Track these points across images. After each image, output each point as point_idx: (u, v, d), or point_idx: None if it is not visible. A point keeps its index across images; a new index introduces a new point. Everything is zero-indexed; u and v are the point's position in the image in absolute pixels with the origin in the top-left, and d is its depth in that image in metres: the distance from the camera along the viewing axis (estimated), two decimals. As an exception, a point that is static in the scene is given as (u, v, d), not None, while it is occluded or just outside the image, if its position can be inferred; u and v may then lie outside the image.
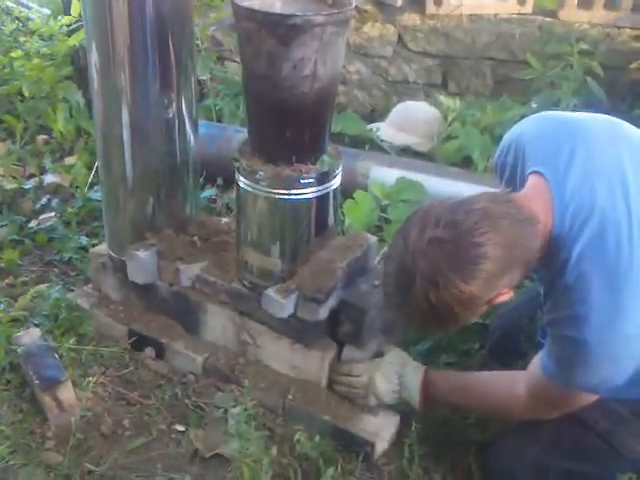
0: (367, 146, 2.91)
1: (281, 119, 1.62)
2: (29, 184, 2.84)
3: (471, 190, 2.42)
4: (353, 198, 2.38)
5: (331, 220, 1.79)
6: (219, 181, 2.79)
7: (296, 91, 1.56)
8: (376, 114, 3.47)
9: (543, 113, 1.57)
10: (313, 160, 1.68)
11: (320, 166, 1.68)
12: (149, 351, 1.95)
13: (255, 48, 1.56)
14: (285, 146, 1.65)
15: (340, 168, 1.73)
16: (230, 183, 2.53)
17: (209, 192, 2.71)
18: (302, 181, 1.64)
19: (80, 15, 3.51)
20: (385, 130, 2.96)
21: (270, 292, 1.69)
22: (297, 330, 1.74)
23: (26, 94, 3.37)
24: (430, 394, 1.64)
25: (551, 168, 1.33)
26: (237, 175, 1.71)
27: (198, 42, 3.25)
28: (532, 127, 1.52)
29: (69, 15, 3.66)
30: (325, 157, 1.71)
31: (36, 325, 2.00)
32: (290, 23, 1.47)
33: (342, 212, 2.36)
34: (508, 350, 1.82)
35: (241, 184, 1.70)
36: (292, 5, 1.67)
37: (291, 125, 1.62)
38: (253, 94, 1.66)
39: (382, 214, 2.46)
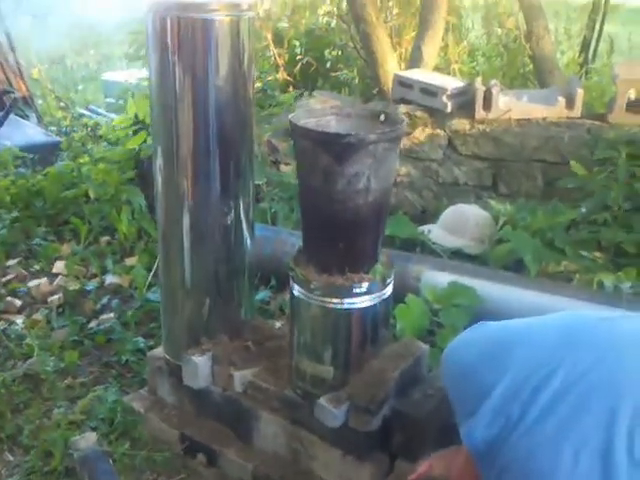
0: (418, 249, 2.94)
1: (335, 230, 1.67)
2: (91, 285, 2.95)
3: (523, 294, 2.45)
4: (404, 302, 2.39)
5: (383, 328, 1.80)
6: (273, 282, 2.84)
7: (350, 204, 1.62)
8: (427, 215, 3.52)
9: (476, 326, 1.21)
10: (366, 269, 1.71)
11: (373, 275, 1.71)
12: (201, 457, 1.95)
13: (311, 164, 1.63)
14: (339, 256, 1.69)
15: (392, 277, 1.76)
16: (284, 284, 2.58)
17: (263, 294, 2.75)
18: (355, 290, 1.68)
19: (136, 116, 3.73)
20: (436, 233, 2.99)
21: (322, 401, 1.69)
22: (349, 440, 1.72)
23: (92, 196, 3.56)
24: None
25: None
26: (292, 283, 1.76)
27: (255, 148, 3.40)
28: (455, 358, 1.18)
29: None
30: (378, 266, 1.74)
31: (92, 428, 2.04)
32: (344, 142, 1.55)
33: (394, 316, 2.37)
34: None
35: (295, 292, 1.75)
36: (346, 122, 1.76)
37: (345, 236, 1.67)
38: (308, 206, 1.73)
39: (434, 318, 2.45)
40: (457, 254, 2.88)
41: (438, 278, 2.54)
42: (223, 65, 1.80)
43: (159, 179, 1.94)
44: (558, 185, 3.29)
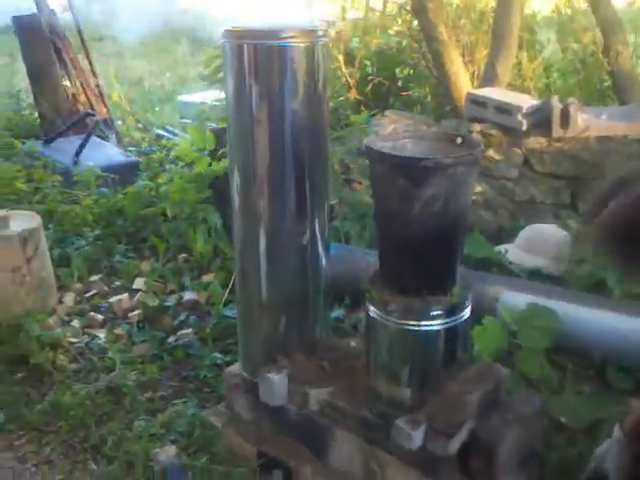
0: (495, 269, 2.90)
1: (412, 253, 1.67)
2: (169, 301, 3.04)
3: (606, 316, 2.38)
4: (482, 324, 2.36)
5: (461, 350, 1.79)
6: (347, 300, 2.85)
7: (426, 227, 1.62)
8: (502, 234, 3.47)
9: None
10: (443, 291, 1.71)
11: (450, 297, 1.70)
12: (277, 474, 1.97)
13: (387, 187, 1.65)
14: (416, 278, 1.69)
15: (470, 299, 1.74)
16: (357, 303, 2.59)
17: (337, 312, 2.77)
18: (432, 313, 1.67)
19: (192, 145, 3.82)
20: (513, 252, 2.95)
21: (400, 422, 1.68)
22: (426, 463, 1.71)
23: (169, 215, 3.67)
24: None
25: None
26: (367, 305, 1.76)
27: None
28: None
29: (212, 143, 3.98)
30: (456, 288, 1.73)
31: (172, 442, 2.09)
32: (421, 165, 1.56)
33: (472, 338, 2.34)
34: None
35: (371, 314, 1.75)
36: (422, 145, 1.76)
37: (421, 258, 1.67)
38: (384, 229, 1.74)
39: (513, 340, 2.41)
40: (535, 274, 2.82)
41: (516, 299, 2.49)
42: (299, 89, 1.84)
43: (236, 199, 1.98)
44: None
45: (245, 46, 1.81)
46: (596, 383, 2.32)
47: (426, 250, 1.67)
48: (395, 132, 1.92)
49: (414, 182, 1.58)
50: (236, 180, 1.97)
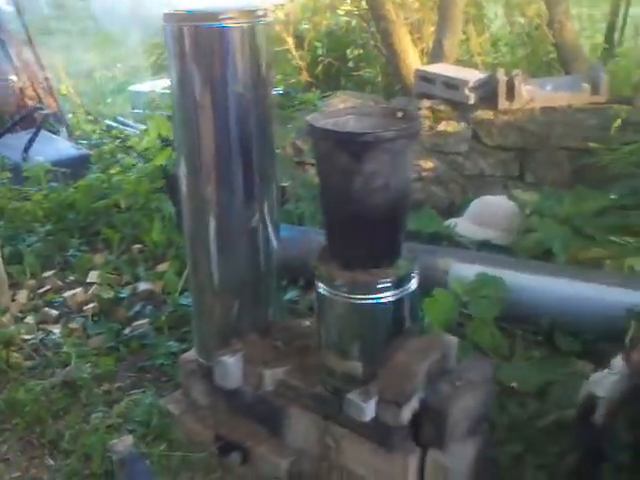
0: (446, 242, 2.94)
1: (356, 228, 1.69)
2: (124, 292, 3.01)
3: (553, 283, 2.43)
4: (432, 296, 2.39)
5: (410, 322, 1.81)
6: (301, 282, 2.86)
7: (369, 202, 1.63)
8: (454, 208, 3.51)
9: None
10: (389, 264, 1.73)
11: (396, 270, 1.72)
12: (235, 456, 1.98)
13: (329, 163, 1.65)
14: (361, 253, 1.71)
15: (416, 270, 1.77)
16: (312, 284, 2.60)
17: (292, 294, 2.78)
18: (379, 286, 1.69)
19: (159, 136, 3.80)
20: (463, 225, 2.99)
21: (351, 396, 1.71)
22: (379, 434, 1.73)
23: (123, 206, 3.63)
24: None
25: None
26: (316, 281, 1.78)
27: (279, 150, 3.43)
28: None
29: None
30: (401, 261, 1.76)
31: (130, 431, 2.09)
32: (362, 140, 1.57)
33: (422, 310, 2.37)
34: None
35: (320, 290, 1.77)
36: (364, 121, 1.77)
37: (366, 233, 1.68)
38: (329, 206, 1.75)
39: (463, 310, 2.45)
40: (485, 246, 2.87)
41: (466, 270, 2.53)
42: (241, 71, 1.83)
43: (184, 186, 1.98)
44: (590, 167, 3.25)
45: (185, 29, 1.79)
46: (545, 348, 2.37)
47: (370, 224, 1.68)
48: (338, 109, 1.93)
49: (355, 157, 1.59)
50: (183, 167, 1.96)
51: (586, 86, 3.37)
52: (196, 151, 1.89)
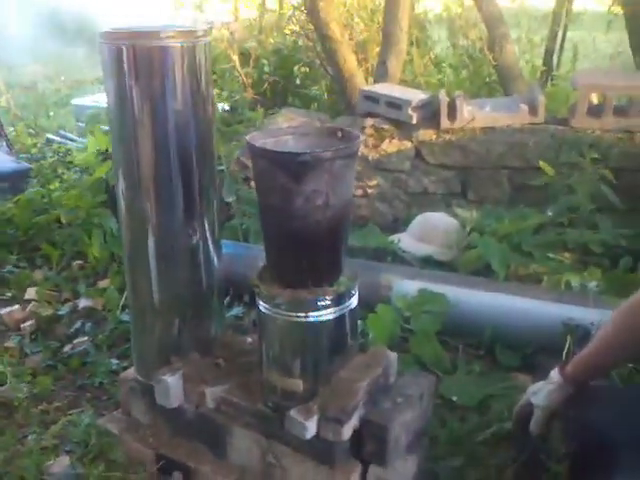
0: (389, 258, 2.98)
1: (296, 247, 1.69)
2: (64, 309, 2.95)
3: (493, 298, 2.49)
4: (376, 312, 2.42)
5: (351, 339, 1.82)
6: (246, 298, 2.86)
7: (309, 221, 1.64)
8: (398, 225, 3.57)
9: None
10: (330, 282, 1.74)
11: (336, 288, 1.74)
12: (176, 476, 1.96)
13: (269, 183, 1.66)
14: (302, 271, 1.71)
15: (356, 288, 1.79)
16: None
17: (236, 310, 2.77)
18: (319, 303, 1.70)
19: (100, 149, 3.75)
20: (406, 241, 3.04)
21: (292, 413, 1.71)
22: (321, 451, 1.74)
23: (63, 221, 3.56)
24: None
25: None
26: (257, 300, 1.78)
27: (224, 167, 3.43)
28: None
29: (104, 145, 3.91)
30: (342, 278, 1.77)
31: (67, 452, 2.04)
32: (300, 160, 1.58)
33: (365, 326, 2.40)
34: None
35: (261, 308, 1.77)
36: (304, 140, 1.79)
37: (306, 252, 1.69)
38: (269, 224, 1.75)
39: (406, 325, 2.49)
40: (427, 261, 2.93)
41: (409, 286, 2.57)
42: (181, 90, 1.82)
43: (122, 202, 1.95)
44: (529, 185, 3.35)
45: (124, 48, 1.78)
46: (486, 361, 2.43)
47: (310, 243, 1.69)
48: (278, 128, 1.94)
49: (294, 177, 1.60)
50: (121, 183, 1.93)
51: (524, 107, 3.47)
52: (135, 167, 1.87)
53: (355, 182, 3.62)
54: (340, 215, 1.70)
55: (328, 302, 1.70)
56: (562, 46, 5.67)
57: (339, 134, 1.77)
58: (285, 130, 1.84)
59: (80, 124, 5.84)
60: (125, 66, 1.78)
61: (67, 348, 2.68)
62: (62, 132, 5.70)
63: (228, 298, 2.77)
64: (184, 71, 1.81)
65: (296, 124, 2.49)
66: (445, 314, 2.41)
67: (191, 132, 1.87)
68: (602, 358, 1.65)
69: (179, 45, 1.79)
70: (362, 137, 1.73)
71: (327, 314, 1.71)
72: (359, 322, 2.26)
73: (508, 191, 3.55)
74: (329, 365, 1.77)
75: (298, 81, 5.21)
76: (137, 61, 1.78)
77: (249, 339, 2.23)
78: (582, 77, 3.58)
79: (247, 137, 1.71)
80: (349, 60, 4.32)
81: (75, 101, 6.88)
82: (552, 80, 5.16)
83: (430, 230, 3.02)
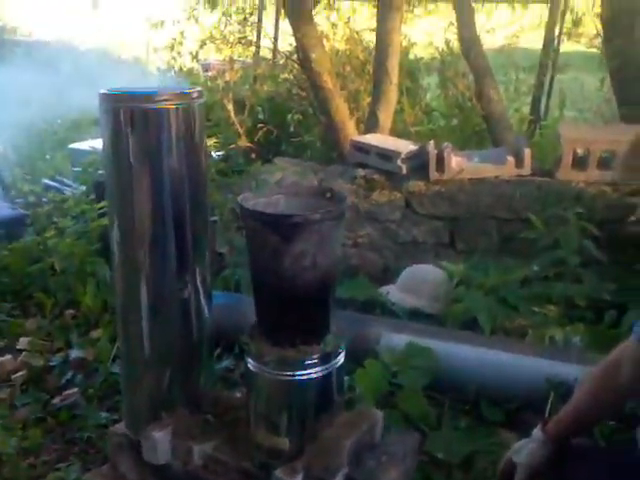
0: (378, 310, 3.01)
1: (285, 306, 1.74)
2: (55, 360, 2.96)
3: (479, 352, 2.52)
4: (363, 366, 2.44)
5: (337, 396, 1.86)
6: (237, 350, 2.88)
7: (298, 280, 1.69)
8: (388, 274, 3.61)
9: None
10: (317, 341, 1.78)
11: (324, 346, 1.78)
12: (163, 534, 1.96)
13: (259, 243, 1.71)
14: (290, 330, 1.76)
15: (344, 346, 1.82)
16: (246, 353, 2.63)
17: (226, 362, 2.79)
18: (307, 362, 1.74)
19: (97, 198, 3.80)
20: (395, 293, 3.08)
21: (278, 472, 1.73)
22: (306, 510, 1.75)
23: (57, 269, 3.59)
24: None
25: None
26: (246, 357, 1.81)
27: (218, 216, 3.48)
28: None
29: (100, 195, 3.95)
30: (329, 337, 1.81)
31: (54, 508, 2.04)
32: (290, 222, 1.64)
33: (353, 380, 2.42)
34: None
35: (249, 366, 1.80)
36: (294, 200, 1.85)
37: (294, 311, 1.74)
38: (259, 283, 1.80)
39: (393, 380, 2.51)
40: (415, 314, 2.96)
41: (397, 339, 2.61)
42: (175, 147, 1.88)
43: (115, 251, 1.99)
44: (514, 240, 3.41)
45: (122, 110, 1.84)
46: (471, 417, 2.45)
47: (298, 302, 1.74)
48: (269, 188, 2.00)
49: (284, 238, 1.66)
50: (115, 232, 1.97)
51: (511, 159, 3.55)
52: (129, 217, 1.92)
53: (346, 232, 3.69)
54: (328, 275, 1.75)
55: (315, 361, 1.75)
56: (550, 94, 5.79)
57: (328, 195, 1.84)
58: (277, 190, 1.90)
59: (77, 169, 5.89)
60: (122, 126, 1.85)
61: (57, 400, 2.69)
62: (59, 178, 5.75)
63: (219, 350, 2.79)
64: (179, 131, 1.88)
65: (287, 184, 2.58)
66: (432, 369, 2.44)
67: (185, 186, 1.92)
68: (582, 417, 1.68)
69: (174, 107, 1.87)
70: (348, 199, 1.79)
71: (314, 373, 1.75)
72: (347, 377, 2.31)
73: (496, 241, 3.60)
74: (315, 423, 1.80)
75: (292, 129, 5.30)
76: (134, 122, 1.84)
77: (238, 394, 2.26)
78: (566, 130, 3.67)
79: (239, 198, 1.77)
80: (341, 110, 4.42)
81: (72, 145, 6.94)
82: (540, 129, 5.27)
83: (418, 283, 3.06)
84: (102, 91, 1.88)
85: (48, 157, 7.61)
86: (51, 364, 2.93)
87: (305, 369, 1.74)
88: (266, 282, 1.77)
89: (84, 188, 4.83)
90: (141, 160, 1.87)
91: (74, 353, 2.99)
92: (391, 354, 2.51)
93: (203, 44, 5.29)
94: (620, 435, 2.21)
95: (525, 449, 1.72)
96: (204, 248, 2.04)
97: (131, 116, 1.84)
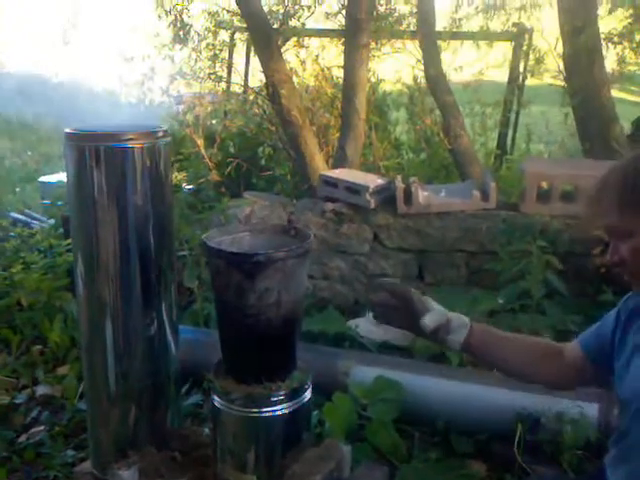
0: (348, 343, 3.03)
1: (249, 343, 1.75)
2: (21, 397, 2.92)
3: (447, 385, 2.54)
4: (332, 401, 2.45)
5: (304, 432, 1.86)
6: (205, 385, 2.86)
7: (262, 317, 1.71)
8: (359, 307, 3.63)
9: None
10: (283, 377, 1.79)
11: (290, 382, 1.79)
12: None
13: (224, 280, 1.73)
14: (255, 367, 1.77)
15: (309, 382, 1.84)
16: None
17: (195, 398, 2.78)
18: (273, 399, 1.75)
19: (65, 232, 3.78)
20: (364, 326, 3.07)
21: (246, 510, 1.72)
22: None
23: (24, 304, 3.55)
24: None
25: None
26: (212, 395, 1.81)
27: (187, 251, 3.49)
28: None
29: (68, 229, 3.94)
30: (295, 373, 1.82)
31: None
32: (254, 260, 1.65)
33: (322, 414, 2.42)
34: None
35: (215, 403, 1.80)
36: (259, 238, 1.87)
37: (259, 348, 1.75)
38: (224, 320, 1.81)
39: (363, 413, 2.52)
40: (384, 347, 2.97)
41: (366, 373, 2.62)
42: (140, 184, 1.90)
43: (80, 287, 1.98)
44: (481, 272, 3.47)
45: (87, 148, 1.86)
46: (441, 449, 2.46)
47: (263, 339, 1.75)
48: (234, 226, 2.02)
49: (248, 276, 1.67)
50: (80, 267, 1.97)
51: (477, 193, 3.61)
52: (94, 254, 1.92)
53: (316, 265, 3.71)
54: (292, 312, 1.77)
55: (282, 397, 1.76)
56: (516, 128, 5.92)
57: (293, 232, 1.86)
58: (242, 228, 1.92)
59: (46, 202, 5.86)
60: (87, 164, 1.86)
61: (23, 438, 2.65)
62: (27, 211, 5.71)
63: (188, 385, 2.78)
64: (144, 168, 1.90)
65: (252, 223, 2.63)
66: (401, 402, 2.45)
67: (149, 223, 1.94)
68: (502, 346, 1.60)
69: (140, 145, 1.89)
70: (312, 237, 1.82)
71: (280, 409, 1.76)
72: (316, 412, 2.31)
73: (465, 274, 3.65)
74: (283, 459, 1.80)
75: (262, 162, 5.34)
76: (99, 160, 1.86)
77: (206, 430, 2.24)
78: (530, 165, 3.76)
79: (203, 236, 1.79)
80: (310, 144, 4.47)
81: (42, 178, 6.92)
82: (506, 163, 5.38)
83: (387, 315, 3.07)
84: (67, 130, 1.90)
85: (18, 189, 7.57)
86: (17, 402, 2.89)
87: (271, 405, 1.75)
88: (231, 319, 1.78)
89: (53, 222, 4.82)
90: (105, 197, 1.88)
91: (40, 390, 2.96)
92: (360, 387, 2.52)
93: (173, 79, 5.34)
94: (589, 464, 2.25)
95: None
96: (170, 284, 2.04)
97: (96, 154, 1.85)
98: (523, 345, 1.63)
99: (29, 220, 5.33)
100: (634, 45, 4.99)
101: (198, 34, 5.35)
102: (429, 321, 1.58)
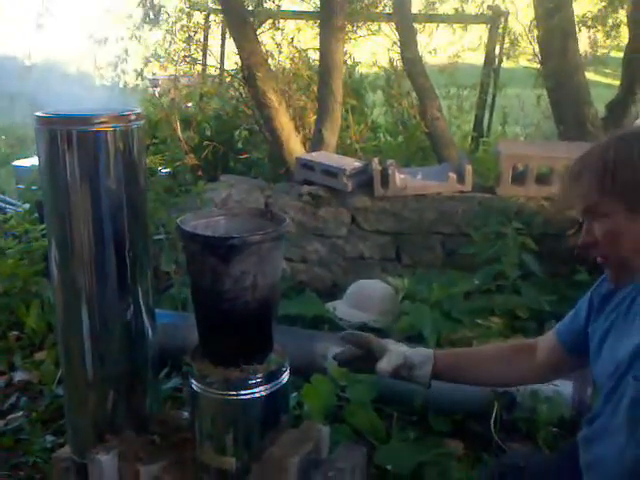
0: (326, 326, 3.04)
1: (226, 327, 1.75)
2: (-1, 383, 2.91)
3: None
4: (311, 382, 2.47)
5: (283, 414, 1.87)
6: (184, 368, 2.87)
7: (238, 301, 1.71)
8: (337, 289, 3.65)
9: None
10: (260, 360, 1.80)
11: (267, 365, 1.80)
12: None
13: (199, 265, 1.73)
14: (232, 350, 1.77)
15: (287, 364, 1.85)
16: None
17: (174, 382, 2.78)
18: (251, 382, 1.75)
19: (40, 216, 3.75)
20: (342, 309, 3.11)
21: (225, 493, 1.74)
22: (253, 530, 1.76)
23: (0, 290, 3.52)
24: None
25: None
26: (189, 379, 1.82)
27: (164, 235, 3.47)
28: None
29: (42, 214, 3.90)
30: (272, 356, 1.83)
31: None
32: (229, 244, 1.65)
33: (301, 397, 2.44)
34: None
35: (193, 387, 1.81)
36: (234, 221, 1.87)
37: (236, 331, 1.75)
38: (200, 305, 1.81)
39: (342, 394, 2.54)
40: (362, 329, 2.99)
41: (344, 355, 2.63)
42: (114, 169, 1.86)
43: (55, 273, 1.97)
44: (457, 254, 3.51)
45: (58, 132, 1.83)
46: (420, 428, 2.49)
47: (239, 323, 1.75)
48: (210, 210, 2.02)
49: (223, 260, 1.67)
50: (54, 253, 1.95)
51: (453, 176, 3.64)
52: (68, 239, 1.90)
53: (293, 248, 3.72)
54: (268, 295, 1.77)
55: (259, 380, 1.76)
56: (492, 111, 5.95)
57: (268, 215, 1.86)
58: (217, 212, 1.92)
59: (20, 186, 5.80)
60: (59, 148, 1.82)
61: (1, 424, 2.64)
62: (2, 196, 5.64)
63: (167, 369, 2.78)
64: (117, 152, 1.87)
65: (227, 207, 2.62)
66: (379, 383, 2.47)
67: (123, 207, 1.91)
68: (472, 360, 1.69)
69: (112, 129, 1.86)
70: (288, 220, 1.82)
71: (258, 392, 1.77)
72: (295, 393, 2.33)
73: (441, 256, 3.69)
74: (262, 442, 1.81)
75: (239, 145, 5.32)
76: (71, 144, 1.83)
77: (185, 414, 2.25)
78: (505, 147, 3.79)
79: (178, 221, 1.79)
80: (286, 127, 4.46)
81: (16, 162, 6.83)
82: (482, 145, 5.42)
83: (365, 298, 3.11)
84: (38, 113, 1.87)
85: (-9, 174, 7.47)
86: (-7, 389, 2.88)
87: (249, 389, 1.75)
88: (207, 303, 1.78)
89: (27, 206, 4.76)
90: (78, 181, 1.86)
91: (18, 376, 2.94)
92: (339, 369, 2.53)
93: (147, 62, 5.28)
94: (563, 441, 2.30)
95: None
96: (146, 268, 2.03)
97: (68, 138, 1.83)
98: (490, 355, 1.69)
99: (3, 205, 5.26)
100: (607, 28, 5.03)
101: (168, 14, 5.29)
102: (385, 365, 1.64)
